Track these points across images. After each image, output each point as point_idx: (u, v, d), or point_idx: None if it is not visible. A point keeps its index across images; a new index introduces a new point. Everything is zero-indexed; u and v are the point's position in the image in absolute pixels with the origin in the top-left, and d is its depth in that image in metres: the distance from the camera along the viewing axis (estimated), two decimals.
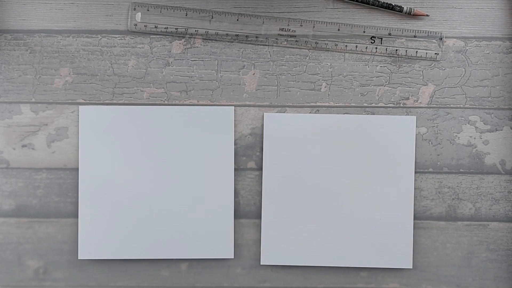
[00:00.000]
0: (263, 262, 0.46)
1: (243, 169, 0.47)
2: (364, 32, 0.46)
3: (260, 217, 0.47)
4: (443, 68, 0.46)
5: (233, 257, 0.47)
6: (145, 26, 0.46)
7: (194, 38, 0.46)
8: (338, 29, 0.46)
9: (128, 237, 0.46)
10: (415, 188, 0.47)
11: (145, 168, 0.46)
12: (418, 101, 0.47)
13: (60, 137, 0.47)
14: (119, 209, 0.46)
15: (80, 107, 0.46)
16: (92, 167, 0.46)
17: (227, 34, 0.46)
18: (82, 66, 0.46)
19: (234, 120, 0.46)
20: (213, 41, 0.46)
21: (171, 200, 0.46)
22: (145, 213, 0.46)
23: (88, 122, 0.46)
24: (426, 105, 0.47)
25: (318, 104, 0.47)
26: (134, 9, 0.46)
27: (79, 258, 0.46)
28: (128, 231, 0.46)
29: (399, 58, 0.46)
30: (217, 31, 0.46)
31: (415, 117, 0.46)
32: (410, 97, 0.46)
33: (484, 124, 0.47)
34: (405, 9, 0.46)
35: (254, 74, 0.47)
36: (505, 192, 0.47)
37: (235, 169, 0.47)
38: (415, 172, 0.47)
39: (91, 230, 0.46)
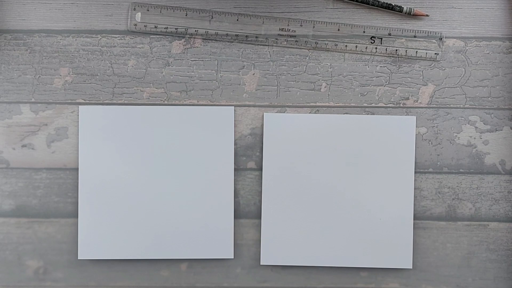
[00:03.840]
0: (263, 262, 0.46)
1: (243, 169, 0.47)
2: (364, 32, 0.46)
3: (260, 217, 0.47)
4: (443, 68, 0.46)
5: (233, 257, 0.47)
6: (145, 26, 0.46)
7: (194, 38, 0.46)
8: (338, 29, 0.46)
9: (128, 237, 0.46)
10: (415, 188, 0.47)
11: (145, 168, 0.46)
12: (418, 101, 0.47)
13: (60, 137, 0.47)
14: (119, 209, 0.46)
15: (80, 107, 0.46)
16: (92, 167, 0.46)
17: (227, 34, 0.46)
18: (82, 66, 0.46)
19: (234, 120, 0.46)
20: (213, 41, 0.46)
21: (171, 200, 0.46)
22: (145, 213, 0.46)
23: (88, 122, 0.46)
24: (426, 105, 0.47)
25: (318, 104, 0.47)
26: (134, 9, 0.46)
27: (79, 258, 0.46)
28: (128, 231, 0.46)
29: (399, 58, 0.46)
30: (217, 31, 0.46)
31: (415, 117, 0.46)
32: (410, 97, 0.46)
33: (484, 124, 0.47)
34: (405, 9, 0.46)
35: (254, 74, 0.47)
36: (505, 192, 0.47)
37: (235, 169, 0.47)
38: (415, 172, 0.46)
39: (91, 230, 0.46)
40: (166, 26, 0.46)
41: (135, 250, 0.46)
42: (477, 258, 0.47)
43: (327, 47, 0.46)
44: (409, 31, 0.46)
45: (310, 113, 0.46)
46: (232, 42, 0.46)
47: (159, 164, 0.46)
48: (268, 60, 0.46)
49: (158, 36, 0.46)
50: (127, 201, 0.46)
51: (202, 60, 0.46)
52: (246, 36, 0.46)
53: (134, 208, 0.46)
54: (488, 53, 0.46)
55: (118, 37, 0.46)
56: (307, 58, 0.46)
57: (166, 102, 0.46)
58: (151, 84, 0.46)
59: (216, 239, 0.46)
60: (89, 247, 0.46)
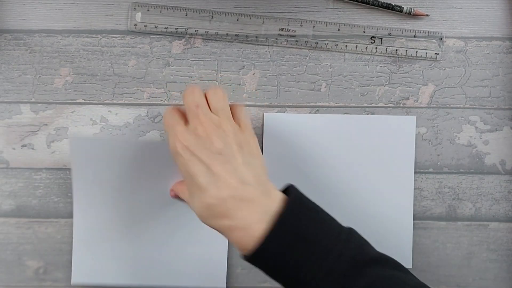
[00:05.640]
0: None
1: None
2: (364, 32, 0.46)
3: None
4: (443, 68, 0.46)
5: (225, 286, 0.46)
6: (145, 26, 0.46)
7: (194, 38, 0.46)
8: (338, 29, 0.46)
9: (121, 263, 0.46)
10: (415, 188, 0.47)
11: (140, 191, 0.45)
12: (418, 101, 0.46)
13: (60, 137, 0.47)
14: (113, 234, 0.45)
15: (70, 139, 0.44)
16: (85, 195, 0.45)
17: (227, 34, 0.46)
18: (82, 66, 0.46)
19: None
20: (213, 41, 0.46)
21: (166, 227, 0.46)
22: (140, 240, 0.46)
23: (79, 153, 0.44)
24: (426, 105, 0.46)
25: (318, 104, 0.47)
26: (134, 9, 0.46)
27: (72, 283, 0.46)
28: (122, 257, 0.46)
29: (399, 58, 0.46)
30: (217, 31, 0.46)
31: (415, 117, 0.46)
32: (410, 97, 0.46)
33: (484, 124, 0.47)
34: (405, 9, 0.46)
35: (254, 74, 0.47)
36: (505, 192, 0.47)
37: None
38: (415, 172, 0.46)
39: (84, 255, 0.46)
40: (166, 26, 0.46)
41: (128, 276, 0.46)
42: (477, 258, 0.47)
43: (327, 47, 0.46)
44: (409, 31, 0.46)
45: (310, 113, 0.46)
46: (232, 42, 0.46)
47: (156, 184, 0.45)
48: (268, 60, 0.46)
49: (158, 36, 0.46)
50: (122, 228, 0.45)
51: (202, 60, 0.46)
52: (246, 36, 0.46)
53: (128, 234, 0.45)
54: (488, 53, 0.46)
55: (118, 37, 0.46)
56: (307, 58, 0.46)
57: (166, 102, 0.46)
58: (152, 84, 0.46)
59: (209, 268, 0.46)
60: (83, 272, 0.46)
